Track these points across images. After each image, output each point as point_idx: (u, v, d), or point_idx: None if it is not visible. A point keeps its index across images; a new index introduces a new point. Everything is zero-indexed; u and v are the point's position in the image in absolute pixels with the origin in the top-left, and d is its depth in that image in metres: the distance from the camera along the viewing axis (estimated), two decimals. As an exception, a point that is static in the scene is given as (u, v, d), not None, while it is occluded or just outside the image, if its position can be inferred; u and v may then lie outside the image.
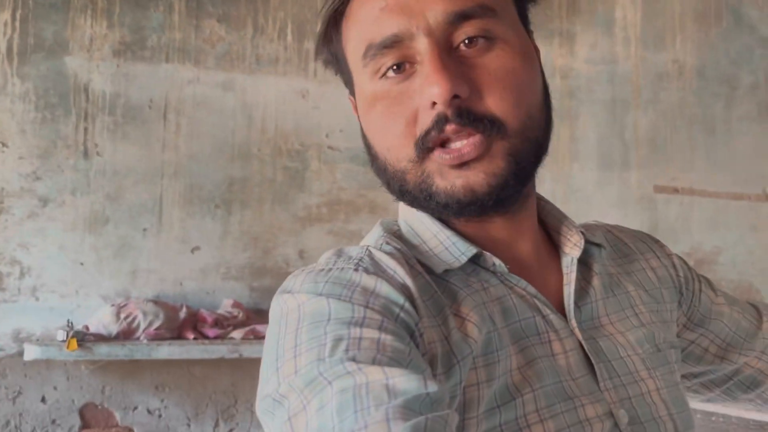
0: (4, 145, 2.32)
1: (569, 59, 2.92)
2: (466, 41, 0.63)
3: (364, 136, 0.71)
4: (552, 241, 0.75)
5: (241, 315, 2.35)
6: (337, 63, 0.72)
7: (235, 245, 2.49)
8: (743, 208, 3.07)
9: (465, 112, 0.62)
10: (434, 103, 0.61)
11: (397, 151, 0.65)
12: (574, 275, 0.70)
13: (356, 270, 0.60)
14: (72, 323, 2.14)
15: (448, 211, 0.65)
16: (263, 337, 2.27)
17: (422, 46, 0.62)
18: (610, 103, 2.96)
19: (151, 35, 2.47)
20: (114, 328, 2.18)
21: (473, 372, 0.60)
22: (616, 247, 0.80)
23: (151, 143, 2.44)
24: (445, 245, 0.66)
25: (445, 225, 0.68)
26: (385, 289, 0.58)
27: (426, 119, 0.62)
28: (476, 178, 0.63)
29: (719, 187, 3.05)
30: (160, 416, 2.38)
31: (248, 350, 2.19)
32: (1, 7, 2.33)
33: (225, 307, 2.38)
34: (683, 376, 0.84)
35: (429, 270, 0.65)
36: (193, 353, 2.16)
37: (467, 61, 0.63)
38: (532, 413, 0.60)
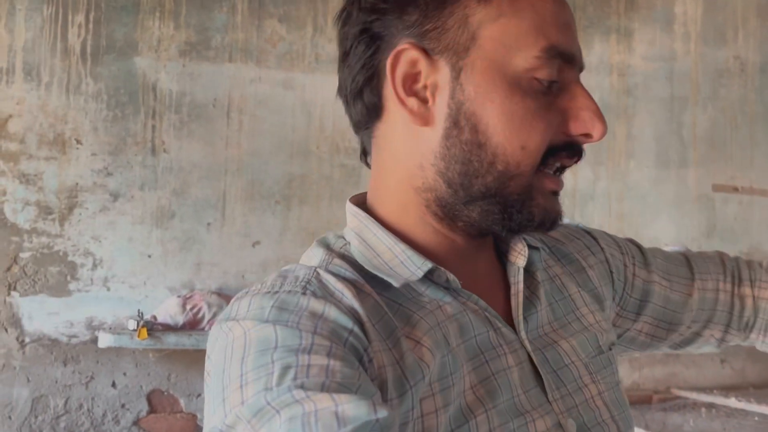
0: (78, 142, 2.43)
1: (626, 56, 2.90)
2: None
3: (463, 112, 0.63)
4: (496, 250, 0.75)
5: (299, 308, 2.43)
6: (436, 7, 0.63)
7: (293, 240, 2.56)
8: (805, 208, 3.01)
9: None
10: (587, 136, 0.64)
11: (529, 153, 0.62)
12: (521, 285, 0.70)
13: (304, 294, 0.59)
14: (142, 313, 2.25)
15: (529, 225, 0.65)
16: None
17: (576, 78, 0.65)
18: (668, 100, 2.93)
19: (215, 36, 2.55)
20: (180, 319, 2.28)
21: (431, 399, 0.59)
22: (554, 248, 0.79)
23: (215, 141, 2.53)
24: (401, 258, 0.65)
25: (398, 238, 0.66)
26: (333, 313, 0.57)
27: (560, 138, 0.64)
28: (559, 208, 0.67)
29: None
30: (222, 403, 2.48)
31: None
32: (75, 9, 2.44)
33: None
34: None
35: (381, 288, 0.64)
36: (255, 344, 2.24)
37: None
38: None
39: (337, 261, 0.65)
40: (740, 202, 2.95)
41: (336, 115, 2.62)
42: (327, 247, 0.68)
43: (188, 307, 2.30)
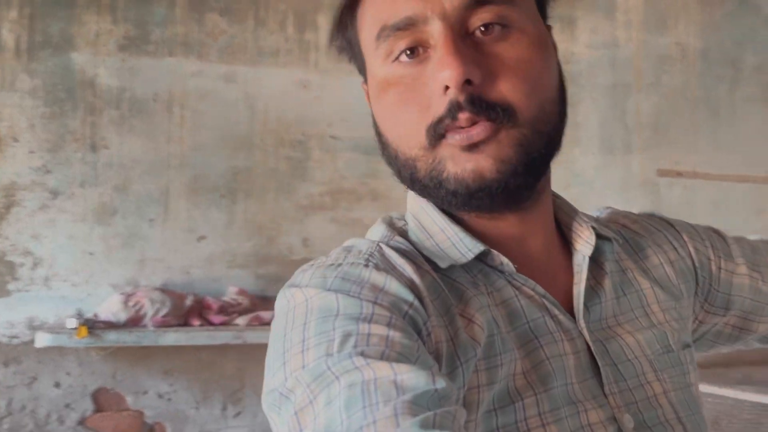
0: (14, 140, 2.40)
1: (570, 44, 2.93)
2: (482, 28, 0.62)
3: (375, 124, 0.69)
4: (564, 238, 0.73)
5: (246, 302, 2.42)
6: (351, 49, 0.71)
7: (240, 234, 2.55)
8: (748, 191, 3.07)
9: (477, 99, 0.60)
10: (446, 88, 0.60)
11: (409, 138, 0.63)
12: (584, 274, 0.68)
13: (366, 266, 0.60)
14: (82, 311, 2.22)
15: (457, 199, 0.63)
16: (267, 324, 2.33)
17: (436, 29, 0.61)
18: (611, 87, 2.97)
19: (155, 30, 2.53)
20: (122, 316, 2.25)
21: (474, 375, 0.59)
22: (632, 240, 0.77)
23: (157, 136, 2.51)
24: (453, 241, 0.65)
25: (453, 220, 0.66)
26: (394, 286, 0.58)
27: (439, 106, 0.61)
28: (485, 162, 0.61)
29: (723, 170, 3.04)
30: (169, 400, 2.46)
31: (252, 336, 2.25)
32: (8, 5, 2.40)
33: (230, 294, 2.45)
34: (696, 339, 0.83)
35: (435, 267, 0.64)
36: (199, 339, 2.23)
37: (482, 48, 0.62)
38: (534, 417, 0.60)
39: (398, 238, 0.67)
40: (684, 186, 2.99)
41: (280, 107, 2.61)
42: (389, 224, 0.70)
43: (130, 303, 2.28)
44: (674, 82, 3.02)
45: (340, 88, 2.66)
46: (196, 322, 2.31)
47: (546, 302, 0.66)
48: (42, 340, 2.13)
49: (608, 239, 0.72)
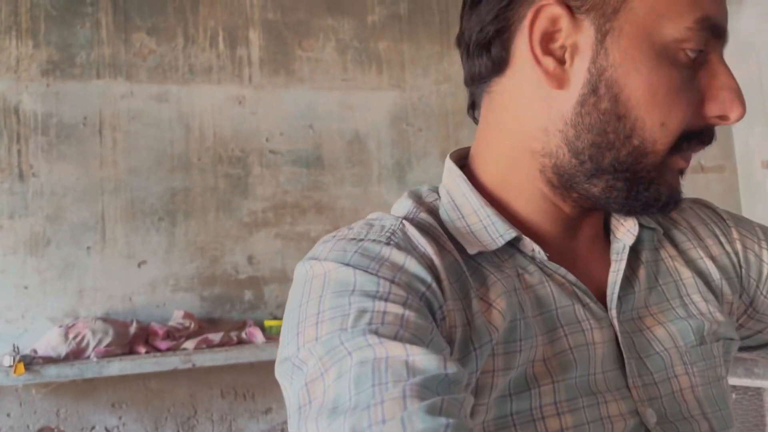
0: (-65, 173, 2.28)
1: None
2: None
3: (605, 79, 0.58)
4: (605, 224, 0.71)
5: (192, 325, 2.35)
6: None
7: (182, 256, 2.48)
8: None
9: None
10: (722, 118, 0.59)
11: (669, 132, 0.58)
12: (623, 263, 0.66)
13: (387, 244, 0.59)
14: (18, 348, 2.12)
15: (654, 206, 0.61)
16: (216, 346, 2.27)
17: (721, 53, 0.60)
18: None
19: (80, 52, 2.45)
20: (63, 349, 2.16)
21: (490, 359, 0.58)
22: (678, 229, 0.74)
23: (89, 161, 2.42)
24: (484, 224, 0.63)
25: (486, 202, 0.64)
26: (413, 266, 0.57)
27: (698, 122, 0.59)
28: (681, 188, 0.62)
29: None
30: (118, 434, 2.36)
31: (201, 359, 2.19)
32: None
33: (176, 318, 2.37)
34: (743, 348, 0.80)
35: (460, 248, 0.62)
36: (146, 366, 2.15)
37: None
38: (549, 405, 0.58)
39: (424, 215, 0.64)
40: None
41: (216, 125, 2.57)
42: (418, 198, 0.67)
43: (71, 336, 2.18)
44: None
45: (276, 101, 2.63)
46: (142, 349, 2.23)
47: (577, 290, 0.64)
48: (-24, 380, 2.02)
49: (651, 228, 0.70)
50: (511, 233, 0.62)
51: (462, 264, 0.60)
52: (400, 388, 0.46)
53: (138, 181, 2.46)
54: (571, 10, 0.58)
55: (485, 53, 0.63)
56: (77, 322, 2.26)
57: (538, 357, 0.60)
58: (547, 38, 0.59)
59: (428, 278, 0.56)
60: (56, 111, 2.41)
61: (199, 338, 2.28)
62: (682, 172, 0.62)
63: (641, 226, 0.69)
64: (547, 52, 0.59)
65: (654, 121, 0.58)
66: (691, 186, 3.07)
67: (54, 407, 2.31)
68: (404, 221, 0.62)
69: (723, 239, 0.75)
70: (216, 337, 2.28)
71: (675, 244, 0.73)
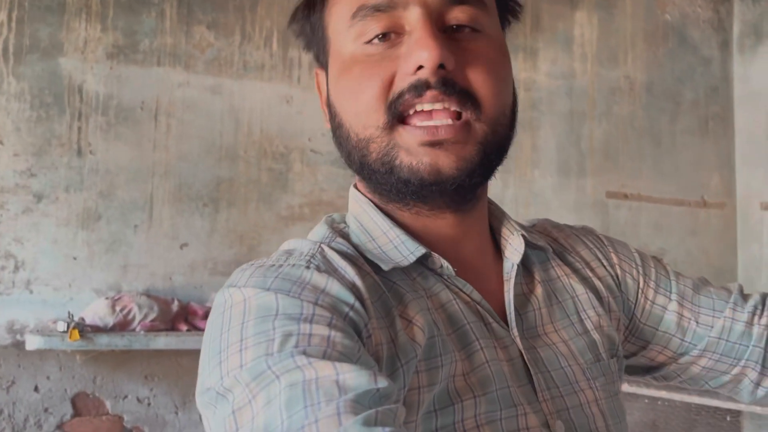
0: (0, 142, 2.39)
1: (532, 73, 3.15)
2: (455, 26, 0.64)
3: (330, 105, 0.67)
4: (496, 244, 0.73)
5: (228, 308, 2.48)
6: (313, 33, 0.70)
7: (221, 242, 2.61)
8: (684, 214, 3.37)
9: (450, 82, 0.61)
10: (419, 68, 0.60)
11: (367, 115, 0.63)
12: (513, 282, 0.69)
13: (307, 267, 0.58)
14: (72, 315, 2.24)
15: (408, 188, 0.63)
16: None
17: (414, 15, 0.62)
18: (568, 114, 3.21)
19: (144, 39, 2.57)
20: (110, 320, 2.28)
21: (415, 376, 0.59)
22: (566, 251, 0.77)
23: (143, 143, 2.55)
24: (395, 243, 0.65)
25: (394, 223, 0.66)
26: (335, 287, 0.57)
27: (403, 82, 0.61)
28: (446, 159, 0.62)
29: (663, 194, 3.34)
30: (149, 405, 2.49)
31: (240, 341, 2.32)
32: (-3, 7, 2.40)
33: (213, 300, 2.50)
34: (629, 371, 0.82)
35: (377, 269, 0.63)
36: (188, 344, 2.28)
37: (455, 43, 0.63)
38: (470, 419, 0.59)
39: (339, 240, 0.65)
40: (630, 207, 3.26)
41: (263, 121, 2.70)
42: (332, 224, 0.69)
43: (118, 308, 2.31)
44: (623, 112, 3.29)
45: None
46: (183, 327, 2.36)
47: (480, 309, 0.66)
48: (33, 342, 2.14)
49: (540, 248, 0.73)
50: (420, 249, 0.64)
51: (380, 283, 0.61)
52: (333, 405, 0.45)
53: (187, 167, 2.59)
54: (323, 68, 0.71)
55: None
56: (123, 296, 2.38)
57: (458, 372, 0.60)
58: (323, 95, 0.72)
59: (351, 299, 0.57)
60: (117, 93, 2.52)
61: (236, 321, 2.42)
62: (432, 144, 0.61)
63: (530, 245, 0.71)
64: (325, 105, 0.71)
65: (351, 115, 0.64)
66: (691, 219, 3.28)
67: (92, 374, 2.43)
68: (322, 245, 0.63)
69: (605, 262, 0.78)
70: (252, 321, 2.42)
71: (567, 264, 0.76)
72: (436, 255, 0.65)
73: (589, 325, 0.71)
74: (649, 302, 0.78)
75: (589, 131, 3.23)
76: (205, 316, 2.42)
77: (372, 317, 0.58)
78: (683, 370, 0.79)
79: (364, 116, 0.63)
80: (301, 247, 0.63)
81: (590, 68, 3.26)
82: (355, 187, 0.72)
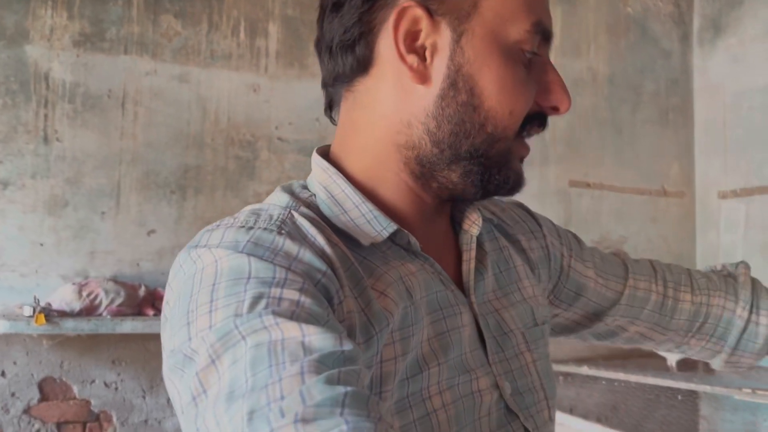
0: (-35, 129, 2.40)
1: (497, 64, 3.21)
2: None
3: (461, 74, 0.64)
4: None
5: (196, 294, 2.52)
6: None
7: (189, 229, 2.65)
8: (644, 202, 3.46)
9: None
10: (555, 108, 0.68)
11: (515, 119, 0.65)
12: (473, 253, 0.72)
13: (279, 233, 0.58)
14: (38, 299, 2.26)
15: (501, 187, 0.67)
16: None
17: (548, 54, 0.69)
18: (532, 105, 3.27)
19: (110, 28, 2.59)
20: (76, 305, 2.31)
21: (390, 347, 0.60)
22: (505, 223, 0.83)
23: (110, 131, 2.57)
24: (367, 218, 0.65)
25: (366, 197, 0.66)
26: (307, 255, 0.57)
27: (540, 110, 0.68)
28: (523, 174, 0.70)
29: (624, 183, 3.42)
30: (116, 389, 2.52)
31: (206, 325, 2.36)
32: (-38, -6, 2.40)
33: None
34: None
35: (346, 241, 0.64)
36: (155, 328, 2.32)
37: None
38: (434, 385, 0.62)
39: (304, 209, 0.64)
40: (592, 196, 3.35)
41: (231, 109, 2.74)
42: (291, 193, 0.68)
43: (84, 293, 2.33)
44: (585, 103, 3.37)
45: (288, 92, 2.82)
46: (150, 312, 2.39)
47: (442, 279, 0.69)
48: (-1, 327, 2.16)
49: (488, 221, 0.78)
50: (392, 226, 0.65)
51: (349, 256, 0.62)
52: (297, 365, 0.46)
53: (154, 154, 2.62)
54: (430, 12, 0.64)
55: (350, 53, 0.66)
56: (90, 281, 2.41)
57: (424, 338, 0.63)
58: (410, 37, 0.64)
59: (323, 266, 0.57)
60: (84, 81, 2.54)
61: (203, 306, 2.45)
62: (522, 158, 0.69)
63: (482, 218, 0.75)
64: (411, 50, 0.64)
65: (504, 110, 0.64)
66: (652, 208, 3.37)
67: (59, 359, 2.45)
68: (292, 211, 0.62)
69: (537, 234, 0.85)
70: (218, 306, 2.46)
71: (507, 235, 0.82)
72: (405, 231, 0.66)
73: (525, 294, 0.77)
74: (572, 269, 0.87)
75: (552, 121, 3.26)
76: (172, 301, 2.45)
77: (344, 285, 0.58)
78: (600, 328, 0.90)
79: (514, 118, 0.65)
80: (269, 210, 0.62)
81: (553, 59, 3.30)
82: (321, 155, 0.70)
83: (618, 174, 3.40)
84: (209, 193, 2.69)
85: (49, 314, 2.22)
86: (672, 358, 2.89)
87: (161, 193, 2.62)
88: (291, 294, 0.53)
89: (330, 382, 0.45)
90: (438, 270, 0.69)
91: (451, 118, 0.64)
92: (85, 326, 2.23)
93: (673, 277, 0.91)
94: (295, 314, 0.51)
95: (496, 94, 0.64)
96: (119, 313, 2.33)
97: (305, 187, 0.70)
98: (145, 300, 2.43)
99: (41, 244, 2.46)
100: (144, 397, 2.56)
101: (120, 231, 2.56)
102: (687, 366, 2.93)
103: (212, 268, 0.55)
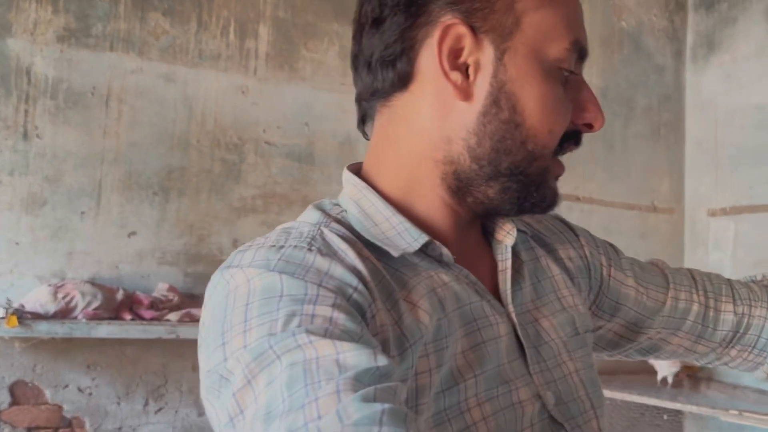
0: (-59, 122, 2.32)
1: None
2: None
3: (504, 91, 0.65)
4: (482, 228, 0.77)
5: (175, 299, 2.46)
6: None
7: (171, 232, 2.58)
8: (634, 218, 3.44)
9: None
10: (589, 126, 0.69)
11: (555, 137, 0.66)
12: (509, 262, 0.72)
13: (310, 250, 0.59)
14: (10, 300, 2.19)
15: (535, 207, 0.68)
16: (198, 320, 2.38)
17: (581, 70, 0.69)
18: (524, 116, 3.24)
19: (96, 24, 2.53)
20: (51, 307, 2.24)
21: (425, 359, 0.60)
22: (541, 233, 0.83)
23: (92, 129, 2.50)
24: (398, 230, 0.66)
25: (396, 210, 0.67)
26: (338, 270, 0.57)
27: (575, 128, 0.68)
28: (558, 191, 0.71)
29: (615, 198, 3.40)
30: (90, 394, 2.45)
31: (185, 331, 2.30)
32: (-57, -16, 2.34)
33: (160, 290, 2.48)
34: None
35: (377, 254, 0.64)
36: (131, 333, 2.25)
37: None
38: (472, 397, 0.62)
39: (335, 225, 0.65)
40: (582, 210, 3.31)
41: (218, 110, 2.68)
42: (322, 210, 0.69)
43: (60, 295, 2.26)
44: (577, 115, 3.34)
45: (277, 96, 2.77)
46: (128, 316, 2.33)
47: (478, 289, 0.69)
48: (-31, 328, 2.08)
49: (523, 231, 0.78)
50: (423, 237, 0.66)
51: (381, 268, 0.62)
52: (333, 384, 0.46)
53: (138, 154, 2.55)
54: (473, 30, 0.64)
55: (391, 69, 0.66)
56: (66, 283, 2.34)
57: (458, 350, 0.63)
58: (453, 54, 0.65)
59: (354, 281, 0.57)
60: (67, 77, 2.48)
61: (182, 312, 2.39)
62: (558, 177, 0.70)
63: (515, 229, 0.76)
64: (454, 67, 0.65)
65: (545, 128, 0.65)
66: (641, 223, 3.34)
67: (31, 362, 2.38)
68: (321, 228, 0.63)
69: (575, 245, 0.85)
70: (198, 312, 2.40)
71: (543, 245, 0.81)
72: (437, 243, 0.66)
73: (565, 303, 0.76)
74: (612, 279, 0.86)
75: (543, 133, 3.26)
76: (151, 305, 2.39)
77: (376, 299, 0.58)
78: (643, 342, 0.89)
79: (549, 137, 0.65)
80: (299, 228, 0.63)
81: (547, 71, 3.30)
82: (353, 171, 0.71)
83: (608, 189, 3.37)
84: (193, 196, 2.63)
85: (22, 316, 2.15)
86: (665, 372, 2.86)
87: (143, 194, 2.56)
88: (324, 310, 0.53)
89: (366, 399, 0.45)
90: (473, 281, 0.69)
91: (492, 134, 0.65)
92: (59, 329, 2.16)
93: (713, 287, 0.90)
94: (329, 331, 0.51)
95: (538, 113, 0.65)
96: (95, 317, 2.26)
97: (336, 204, 0.71)
98: (122, 304, 2.36)
99: (17, 243, 2.39)
100: (119, 403, 2.49)
101: (99, 232, 2.49)
102: (677, 382, 2.90)
103: (245, 287, 0.56)
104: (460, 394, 0.61)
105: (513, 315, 0.70)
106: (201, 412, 2.57)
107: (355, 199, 0.69)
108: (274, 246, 0.59)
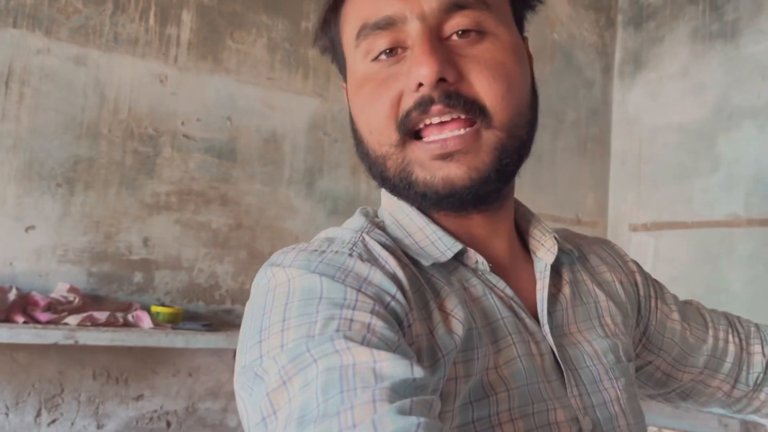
0: None
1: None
2: (459, 32, 0.64)
3: (351, 121, 0.70)
4: (524, 244, 0.75)
5: (77, 300, 2.25)
6: (333, 48, 0.72)
7: (75, 227, 2.38)
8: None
9: (453, 94, 0.61)
10: (420, 85, 0.61)
11: (380, 134, 0.64)
12: (547, 281, 0.71)
13: (350, 255, 0.59)
14: None
15: (426, 201, 0.65)
16: (101, 325, 2.18)
17: (414, 30, 0.62)
18: (455, 123, 3.18)
19: (-1, -4, 2.30)
20: (-69, 307, 2.00)
21: (452, 367, 0.59)
22: (588, 256, 0.81)
23: (-11, 111, 2.27)
24: (431, 239, 0.66)
25: (430, 219, 0.68)
26: (378, 277, 0.58)
27: (409, 100, 0.63)
28: (458, 171, 0.62)
29: (540, 209, 3.39)
30: (-26, 404, 2.21)
31: (85, 337, 2.10)
32: None
33: (59, 291, 2.27)
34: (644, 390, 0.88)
35: (414, 262, 0.64)
36: (23, 337, 2.04)
37: (457, 51, 0.63)
38: (504, 412, 0.60)
39: (377, 232, 0.66)
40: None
41: (133, 99, 2.49)
42: (368, 216, 0.70)
43: (-58, 294, 2.03)
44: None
45: (199, 87, 2.60)
46: (20, 318, 2.11)
47: (514, 304, 0.67)
48: None
49: (568, 251, 0.76)
50: (457, 246, 0.66)
51: (419, 276, 0.63)
52: (369, 393, 0.45)
53: (41, 142, 2.34)
54: (345, 82, 0.72)
55: None
56: (-50, 280, 2.10)
57: (491, 365, 0.62)
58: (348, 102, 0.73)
59: (393, 288, 0.58)
60: (-39, 52, 2.24)
61: (84, 315, 2.19)
62: (444, 156, 0.63)
63: (559, 248, 0.74)
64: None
65: (367, 132, 0.67)
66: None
67: None
68: (363, 234, 0.64)
69: (626, 269, 0.84)
70: (102, 315, 2.20)
71: (589, 268, 0.80)
72: (472, 251, 0.66)
73: (609, 330, 0.74)
74: (659, 311, 0.85)
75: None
76: (48, 307, 2.18)
77: (413, 308, 0.58)
78: (686, 383, 0.86)
79: (377, 134, 0.65)
80: (342, 235, 0.64)
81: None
82: None
83: (535, 200, 3.36)
84: (101, 189, 2.43)
85: None
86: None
87: (45, 186, 2.34)
88: (362, 316, 0.53)
89: (402, 412, 0.44)
90: (509, 295, 0.67)
91: (360, 157, 0.70)
92: (-63, 332, 1.93)
93: (743, 328, 0.90)
94: (366, 338, 0.51)
95: (361, 123, 0.67)
96: (-18, 319, 2.04)
97: (378, 214, 0.73)
98: (15, 305, 2.14)
99: None
100: (7, 414, 2.26)
101: (-8, 225, 2.26)
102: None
103: (285, 287, 0.56)
104: (491, 407, 0.60)
105: (548, 336, 0.68)
106: (101, 424, 2.37)
107: (389, 210, 0.71)
108: (315, 251, 0.60)
